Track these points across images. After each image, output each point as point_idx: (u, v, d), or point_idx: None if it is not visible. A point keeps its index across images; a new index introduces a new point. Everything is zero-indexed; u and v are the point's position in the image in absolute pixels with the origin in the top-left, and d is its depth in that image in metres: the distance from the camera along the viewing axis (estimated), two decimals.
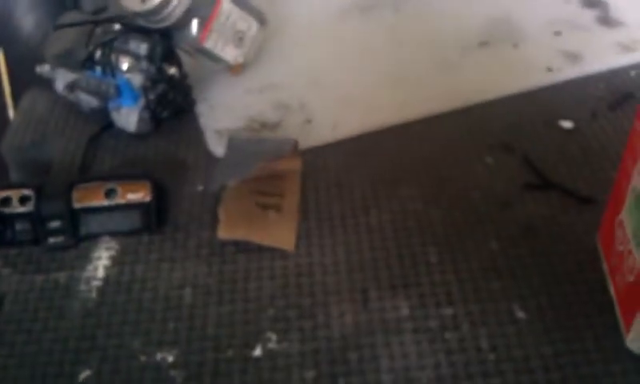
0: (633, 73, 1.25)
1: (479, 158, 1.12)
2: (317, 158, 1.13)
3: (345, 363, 0.88)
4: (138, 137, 1.18)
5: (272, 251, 1.01)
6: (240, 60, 1.26)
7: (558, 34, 1.32)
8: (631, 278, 0.85)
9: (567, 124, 1.16)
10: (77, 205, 1.03)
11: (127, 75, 1.14)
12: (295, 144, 1.11)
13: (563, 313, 0.92)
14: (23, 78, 1.33)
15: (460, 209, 1.05)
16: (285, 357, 0.89)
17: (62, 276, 1.00)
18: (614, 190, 0.92)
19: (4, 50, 1.42)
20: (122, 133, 1.18)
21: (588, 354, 0.87)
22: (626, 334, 0.87)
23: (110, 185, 1.03)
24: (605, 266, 0.95)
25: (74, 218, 1.03)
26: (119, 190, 1.03)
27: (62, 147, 1.19)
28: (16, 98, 1.31)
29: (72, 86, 1.19)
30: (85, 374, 0.89)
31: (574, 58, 1.27)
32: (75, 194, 1.03)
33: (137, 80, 1.13)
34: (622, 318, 0.89)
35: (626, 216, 0.88)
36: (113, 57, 1.15)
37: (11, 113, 1.28)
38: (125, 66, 1.14)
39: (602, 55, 1.28)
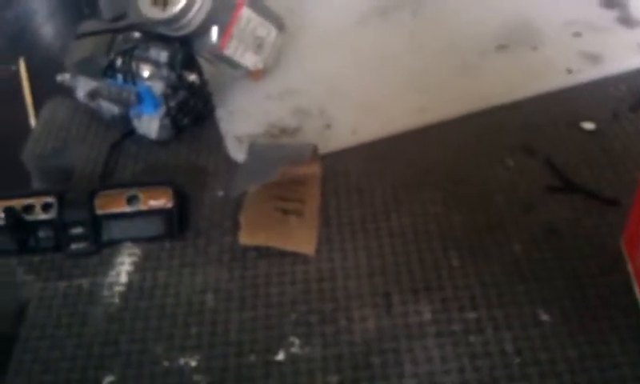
0: None
1: (500, 161, 1.11)
2: (337, 162, 1.13)
3: (368, 368, 0.88)
4: (159, 143, 1.18)
5: (293, 256, 1.01)
6: (259, 66, 1.26)
7: (577, 35, 1.31)
8: None
9: (589, 125, 1.15)
10: (99, 211, 1.03)
11: (148, 83, 1.14)
12: (315, 149, 1.11)
13: (588, 315, 0.91)
14: (44, 87, 1.34)
15: (482, 212, 1.04)
16: (307, 362, 0.89)
17: (84, 282, 1.01)
18: (638, 192, 0.92)
19: (25, 60, 1.43)
20: (143, 140, 1.19)
21: (614, 358, 0.86)
22: None
23: (131, 191, 1.04)
24: (630, 268, 0.94)
25: (96, 224, 1.03)
26: (141, 196, 1.04)
27: (83, 155, 1.20)
28: (37, 106, 1.32)
29: (93, 94, 1.20)
30: (108, 379, 0.90)
31: (594, 58, 1.26)
32: (97, 201, 1.04)
33: (158, 87, 1.14)
34: None
35: None
36: (134, 64, 1.15)
37: (33, 121, 1.29)
38: (146, 73, 1.15)
39: (623, 56, 1.27)
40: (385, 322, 0.92)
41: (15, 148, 1.23)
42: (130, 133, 1.20)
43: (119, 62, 1.16)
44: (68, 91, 1.24)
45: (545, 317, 0.91)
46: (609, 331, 0.89)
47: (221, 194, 1.10)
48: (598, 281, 0.94)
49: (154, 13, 1.13)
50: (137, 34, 1.18)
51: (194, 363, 0.90)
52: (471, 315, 0.92)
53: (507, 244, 1.00)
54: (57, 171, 1.19)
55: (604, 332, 0.89)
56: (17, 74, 1.41)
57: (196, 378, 0.89)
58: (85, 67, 1.21)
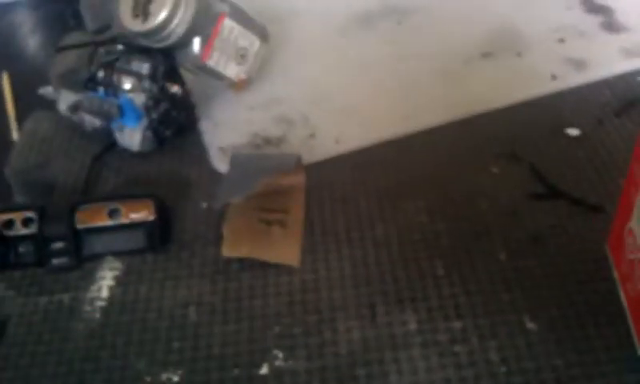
0: (638, 78, 1.24)
1: (485, 168, 1.11)
2: (321, 172, 1.12)
3: (353, 380, 0.87)
4: (141, 156, 1.17)
5: (277, 267, 1.00)
6: (243, 77, 1.25)
7: (561, 41, 1.31)
8: None
9: (574, 131, 1.15)
10: (80, 226, 1.02)
11: (130, 95, 1.13)
12: (299, 159, 1.10)
13: (574, 323, 0.90)
14: (27, 100, 1.33)
15: (467, 220, 1.04)
16: (292, 375, 0.88)
17: (65, 297, 0.99)
18: (622, 199, 0.91)
19: (8, 73, 1.42)
20: (125, 152, 1.18)
21: (600, 366, 0.86)
22: (639, 344, 0.85)
23: (112, 205, 1.03)
24: (615, 275, 0.93)
25: (77, 238, 1.02)
26: (122, 209, 1.02)
27: (65, 168, 1.19)
28: (20, 120, 1.30)
29: (75, 107, 1.19)
30: None
31: (578, 64, 1.26)
32: (78, 215, 1.02)
33: (139, 99, 1.13)
34: (634, 326, 0.87)
35: (635, 224, 0.86)
36: (115, 77, 1.14)
37: (15, 135, 1.28)
38: (127, 85, 1.14)
39: (607, 61, 1.27)
40: (370, 333, 0.91)
41: None
42: (112, 145, 1.19)
43: (101, 74, 1.15)
44: (50, 104, 1.24)
45: (531, 325, 0.90)
46: (595, 338, 0.88)
47: (204, 205, 1.09)
48: (584, 288, 0.94)
49: (134, 25, 1.12)
50: (119, 47, 1.17)
51: (176, 378, 0.89)
52: (456, 325, 0.91)
53: (492, 252, 0.99)
54: (39, 185, 1.18)
55: (590, 339, 0.88)
56: (0, 86, 1.40)
57: None
58: (67, 80, 1.20)
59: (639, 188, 0.85)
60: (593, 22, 1.35)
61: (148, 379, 0.89)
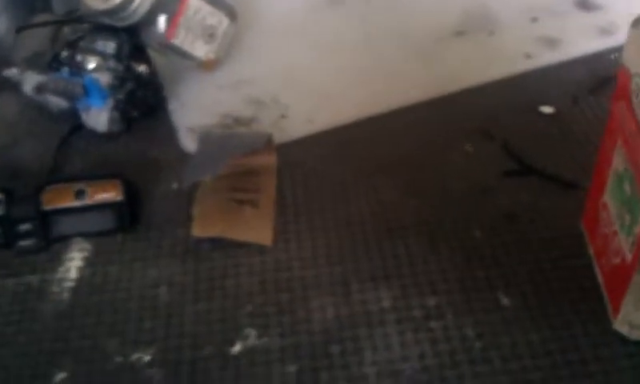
0: (613, 56, 1.23)
1: (458, 147, 1.10)
2: (293, 151, 1.11)
3: (327, 357, 0.86)
4: (108, 137, 1.16)
5: (249, 247, 0.98)
6: (211, 56, 1.24)
7: (534, 20, 1.31)
8: (617, 260, 0.83)
9: (548, 109, 1.15)
10: (47, 207, 1.00)
11: (94, 74, 1.12)
12: (269, 138, 1.09)
13: (549, 299, 0.90)
14: None
15: (440, 198, 1.03)
16: (265, 352, 0.87)
17: (33, 279, 0.97)
18: (595, 173, 0.91)
19: None
20: (92, 133, 1.16)
21: (576, 340, 0.85)
22: (614, 317, 0.85)
23: (79, 185, 1.01)
24: (590, 251, 0.93)
25: (44, 220, 1.00)
26: (89, 190, 1.01)
27: (32, 150, 1.17)
28: None
29: (40, 88, 1.16)
30: (60, 376, 0.86)
31: (552, 43, 1.26)
32: (44, 196, 1.00)
33: (104, 79, 1.11)
34: (609, 301, 0.87)
35: (608, 198, 0.86)
36: (79, 56, 1.12)
37: None
38: (91, 65, 1.12)
39: (581, 40, 1.27)
40: (343, 311, 0.90)
41: None
42: (78, 127, 1.17)
43: (65, 54, 1.13)
44: (15, 86, 1.21)
45: (505, 301, 0.90)
46: (570, 314, 0.88)
47: (174, 186, 1.08)
48: (559, 264, 0.94)
49: (96, 3, 1.11)
50: (85, 26, 1.15)
51: (147, 358, 0.87)
52: (431, 301, 0.90)
53: (467, 229, 0.99)
54: (6, 168, 1.15)
55: (565, 315, 0.88)
56: None
57: (150, 372, 0.86)
58: (32, 61, 1.18)
59: (611, 162, 0.84)
60: (566, 0, 1.35)
61: (119, 359, 0.87)
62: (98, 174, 1.04)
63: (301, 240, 0.99)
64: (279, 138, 1.11)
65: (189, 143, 1.13)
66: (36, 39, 1.20)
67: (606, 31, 1.27)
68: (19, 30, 1.19)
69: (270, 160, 1.08)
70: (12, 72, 1.21)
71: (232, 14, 1.25)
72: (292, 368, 0.85)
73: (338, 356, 0.86)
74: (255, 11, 1.36)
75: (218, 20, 1.22)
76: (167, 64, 1.22)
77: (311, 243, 0.99)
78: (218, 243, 0.99)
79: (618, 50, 1.21)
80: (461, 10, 1.34)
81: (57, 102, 1.16)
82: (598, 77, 1.20)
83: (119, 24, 1.13)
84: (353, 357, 0.85)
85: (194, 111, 1.19)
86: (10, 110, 1.26)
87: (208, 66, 1.24)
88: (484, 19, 1.32)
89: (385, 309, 0.90)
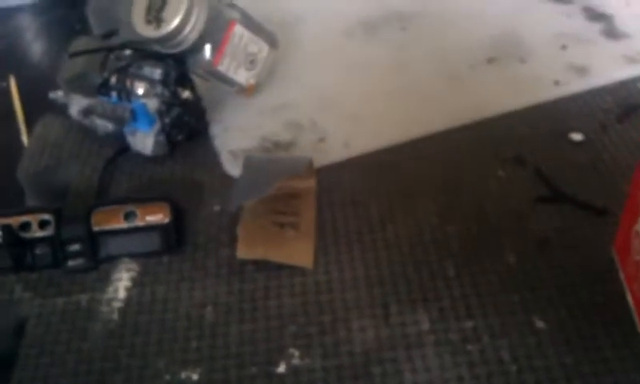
0: (639, 84, 1.26)
1: (492, 172, 1.13)
2: (331, 175, 1.14)
3: (368, 377, 0.89)
4: (153, 160, 1.19)
5: (291, 269, 1.02)
6: (252, 82, 1.27)
7: (564, 47, 1.34)
8: None
9: (577, 136, 1.18)
10: (96, 228, 1.04)
11: (143, 100, 1.15)
12: (310, 162, 1.12)
13: (582, 323, 0.93)
14: (35, 104, 1.34)
15: (475, 222, 1.06)
16: (308, 373, 0.90)
17: (83, 298, 1.01)
18: (628, 202, 0.93)
19: (15, 76, 1.43)
20: (138, 156, 1.20)
21: (608, 363, 0.88)
22: None
23: (128, 208, 1.05)
24: (622, 276, 0.96)
25: (93, 240, 1.04)
26: (138, 212, 1.04)
27: (77, 172, 1.20)
28: (29, 124, 1.32)
29: (87, 111, 1.20)
30: None
31: (580, 71, 1.28)
32: (94, 218, 1.04)
33: (152, 104, 1.15)
34: None
35: None
36: (128, 82, 1.16)
37: (25, 139, 1.29)
38: (140, 90, 1.15)
39: (608, 68, 1.29)
40: (383, 332, 0.93)
41: (8, 166, 1.23)
42: (124, 149, 1.21)
43: (114, 79, 1.17)
44: (61, 108, 1.25)
45: (540, 324, 0.93)
46: (603, 337, 0.91)
47: (217, 208, 1.11)
48: (592, 289, 0.96)
49: (148, 31, 1.14)
50: (129, 52, 1.19)
51: (195, 376, 0.90)
52: (468, 324, 0.93)
53: (501, 254, 1.01)
54: (51, 189, 1.19)
55: (598, 338, 0.91)
56: (7, 90, 1.41)
57: None
58: (78, 84, 1.22)
59: None
60: (594, 29, 1.38)
61: (167, 377, 0.91)
62: (147, 197, 1.08)
63: (340, 262, 1.02)
64: (317, 161, 1.14)
65: (230, 166, 1.17)
66: (79, 63, 1.23)
67: (632, 60, 1.30)
68: (72, 55, 1.22)
69: (310, 183, 1.11)
70: (58, 94, 1.25)
71: (272, 42, 1.28)
72: None
73: (378, 377, 0.89)
74: (293, 38, 1.40)
75: (259, 47, 1.25)
76: (209, 89, 1.25)
77: (350, 265, 1.02)
78: (261, 265, 1.02)
79: None
80: (492, 38, 1.37)
81: (103, 125, 1.19)
82: (625, 105, 1.22)
83: (170, 51, 1.17)
84: (393, 378, 0.89)
85: (236, 135, 1.23)
86: (55, 131, 1.29)
87: (248, 91, 1.28)
88: (515, 46, 1.34)
89: (423, 331, 0.93)
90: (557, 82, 1.27)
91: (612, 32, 1.37)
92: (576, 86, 1.26)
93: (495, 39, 1.37)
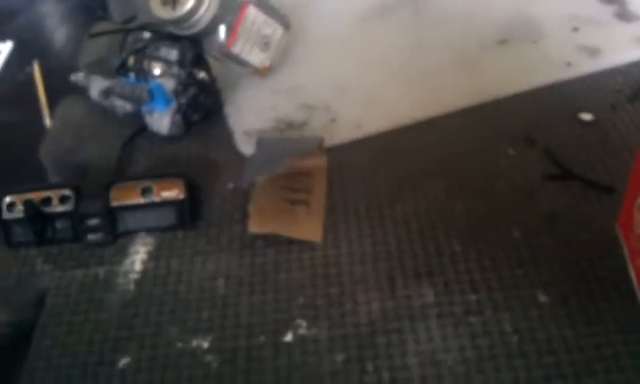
0: None
1: (501, 151, 1.14)
2: (342, 155, 1.16)
3: (373, 347, 0.92)
4: (170, 139, 1.22)
5: (300, 244, 1.04)
6: (266, 63, 1.30)
7: (576, 29, 1.34)
8: None
9: (587, 116, 1.18)
10: (114, 203, 1.07)
11: (159, 80, 1.18)
12: (321, 141, 1.14)
13: (585, 297, 0.94)
14: (57, 87, 1.38)
15: (483, 200, 1.07)
16: (314, 342, 0.93)
17: (100, 271, 1.05)
18: (632, 176, 0.95)
19: (39, 61, 1.47)
20: (155, 135, 1.23)
21: (609, 336, 0.90)
22: None
23: (145, 184, 1.08)
24: (625, 252, 0.97)
25: (111, 215, 1.07)
26: (154, 188, 1.08)
27: (98, 151, 1.24)
28: (52, 106, 1.36)
29: (106, 93, 1.24)
30: (124, 361, 0.94)
31: (592, 52, 1.29)
32: (112, 193, 1.08)
33: (169, 84, 1.18)
34: None
35: None
36: (145, 63, 1.19)
37: (48, 121, 1.33)
38: (157, 71, 1.18)
39: (620, 49, 1.30)
40: (389, 305, 0.96)
41: (32, 146, 1.28)
42: (142, 129, 1.24)
43: (131, 60, 1.20)
44: (81, 90, 1.29)
45: (543, 298, 0.94)
46: (605, 311, 0.92)
47: (230, 185, 1.14)
48: (595, 264, 0.98)
49: (164, 12, 1.17)
50: (147, 34, 1.22)
51: (206, 344, 0.94)
52: (472, 297, 0.95)
53: (507, 230, 1.03)
54: (72, 167, 1.23)
55: (600, 312, 0.92)
56: (31, 75, 1.45)
57: (208, 358, 0.92)
58: (98, 67, 1.26)
59: None
60: (607, 11, 1.38)
61: (179, 345, 0.94)
62: (163, 173, 1.11)
63: (349, 238, 1.05)
64: (329, 141, 1.17)
65: (244, 146, 1.20)
66: (99, 46, 1.27)
67: None
68: (92, 36, 1.26)
69: (320, 162, 1.14)
70: (78, 77, 1.28)
71: (285, 24, 1.31)
72: (340, 357, 0.91)
73: (383, 347, 0.91)
74: (306, 21, 1.42)
75: (272, 29, 1.28)
76: (223, 71, 1.28)
77: (359, 241, 1.04)
78: (271, 239, 1.05)
79: None
80: (504, 20, 1.38)
81: (122, 106, 1.23)
82: (636, 86, 1.23)
83: (184, 32, 1.19)
84: (397, 348, 0.91)
85: (249, 115, 1.26)
86: (76, 112, 1.33)
87: (262, 72, 1.30)
88: (527, 28, 1.35)
89: (427, 304, 0.95)
90: (568, 63, 1.27)
91: (625, 14, 1.37)
92: (587, 67, 1.27)
93: (507, 21, 1.37)
